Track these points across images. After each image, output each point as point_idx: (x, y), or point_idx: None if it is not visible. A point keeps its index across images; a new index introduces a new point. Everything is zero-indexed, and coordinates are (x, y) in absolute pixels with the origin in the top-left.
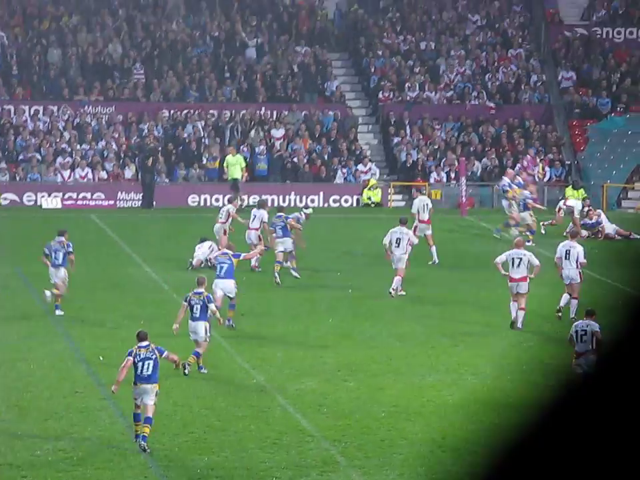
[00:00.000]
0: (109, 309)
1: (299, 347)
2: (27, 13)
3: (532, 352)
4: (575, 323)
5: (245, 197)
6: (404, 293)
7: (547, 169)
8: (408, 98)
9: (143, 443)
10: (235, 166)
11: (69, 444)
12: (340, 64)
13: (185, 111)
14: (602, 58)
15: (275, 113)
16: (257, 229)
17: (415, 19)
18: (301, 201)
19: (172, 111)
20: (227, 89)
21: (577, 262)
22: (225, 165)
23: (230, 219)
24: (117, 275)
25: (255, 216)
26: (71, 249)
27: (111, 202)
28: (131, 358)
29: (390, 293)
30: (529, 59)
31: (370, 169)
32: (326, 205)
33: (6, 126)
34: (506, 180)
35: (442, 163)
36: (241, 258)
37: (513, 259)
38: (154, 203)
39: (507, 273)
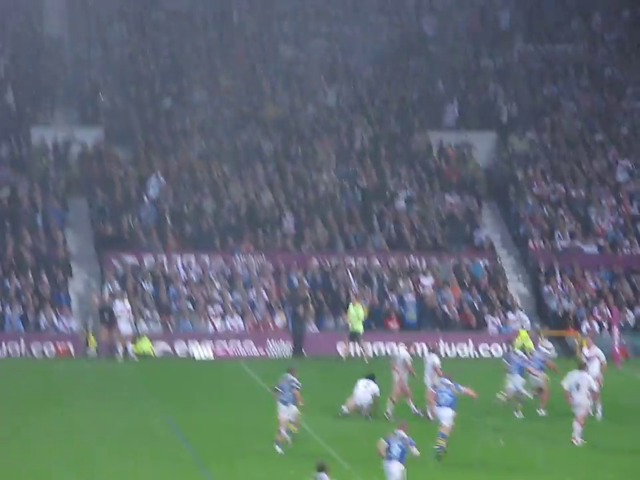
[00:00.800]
0: (261, 459)
1: None
2: (181, 162)
3: None
4: None
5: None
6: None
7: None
8: (558, 246)
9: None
10: (355, 317)
11: None
12: (489, 212)
13: (335, 260)
14: None
15: (424, 261)
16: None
17: (565, 168)
18: (450, 349)
19: (321, 260)
20: (375, 238)
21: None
22: (347, 315)
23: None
24: (268, 424)
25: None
26: (295, 384)
27: (262, 351)
28: None
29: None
30: None
31: (520, 317)
32: (476, 353)
33: (158, 276)
34: None
35: (593, 312)
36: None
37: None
38: (304, 351)
39: None
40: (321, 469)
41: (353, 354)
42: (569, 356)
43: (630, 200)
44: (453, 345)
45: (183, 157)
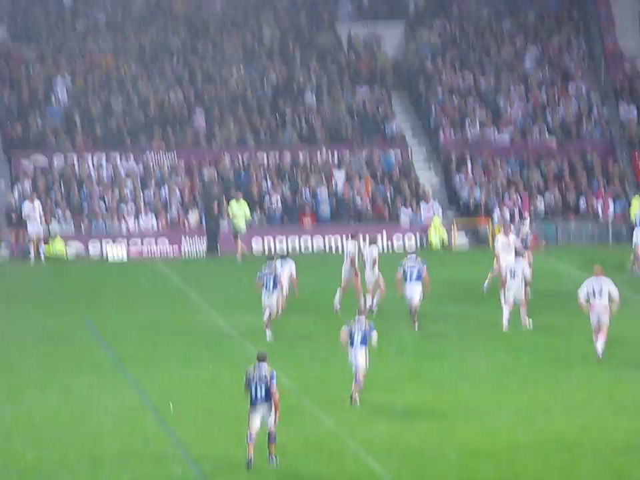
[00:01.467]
0: (177, 356)
1: (368, 389)
2: (87, 62)
3: (601, 389)
4: None
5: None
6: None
7: (610, 203)
8: (468, 136)
9: (273, 463)
10: (238, 215)
11: None
12: (399, 103)
13: (246, 156)
14: None
15: (336, 155)
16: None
17: (474, 57)
18: (364, 241)
19: (233, 157)
20: (287, 133)
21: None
22: (229, 211)
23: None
24: (184, 322)
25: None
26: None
27: (176, 249)
28: (246, 381)
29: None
30: (589, 93)
31: (432, 207)
32: (389, 244)
33: (69, 176)
34: None
35: (504, 200)
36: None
37: (594, 289)
38: (219, 249)
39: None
40: (262, 359)
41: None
42: (481, 244)
43: (538, 87)
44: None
45: (89, 55)
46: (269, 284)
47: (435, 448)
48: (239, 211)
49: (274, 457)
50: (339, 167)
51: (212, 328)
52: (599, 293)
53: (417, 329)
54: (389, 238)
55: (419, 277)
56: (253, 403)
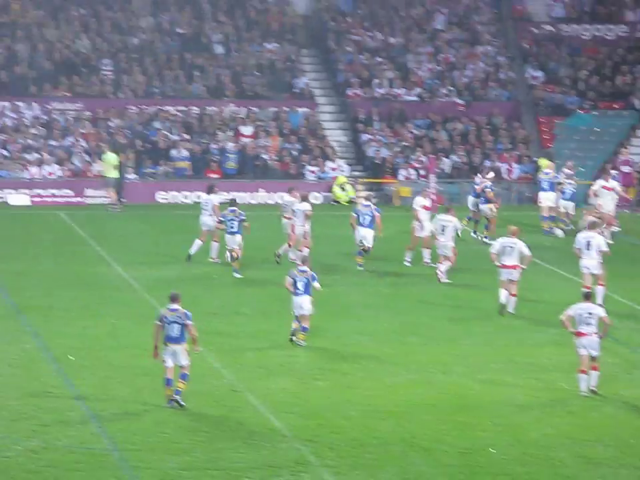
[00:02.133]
0: (78, 307)
1: (269, 346)
2: None
3: (501, 349)
4: (579, 305)
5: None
6: (448, 281)
7: (515, 165)
8: (376, 95)
9: (177, 397)
10: (109, 164)
11: (39, 445)
12: (308, 60)
13: (153, 108)
14: (569, 55)
15: (243, 110)
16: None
17: (383, 15)
18: (270, 199)
19: (140, 108)
20: (195, 86)
21: (597, 252)
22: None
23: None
24: (86, 273)
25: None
26: (244, 217)
27: (79, 199)
28: (159, 322)
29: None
30: (497, 56)
31: (339, 165)
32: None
33: None
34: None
35: (411, 160)
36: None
37: (505, 247)
38: (123, 200)
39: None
40: (175, 299)
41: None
42: (386, 203)
43: (447, 48)
44: (272, 193)
45: None
46: (232, 227)
47: (335, 405)
48: (113, 161)
49: (180, 392)
50: (246, 121)
51: (114, 280)
52: (510, 252)
53: (361, 268)
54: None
55: (371, 223)
56: (167, 341)
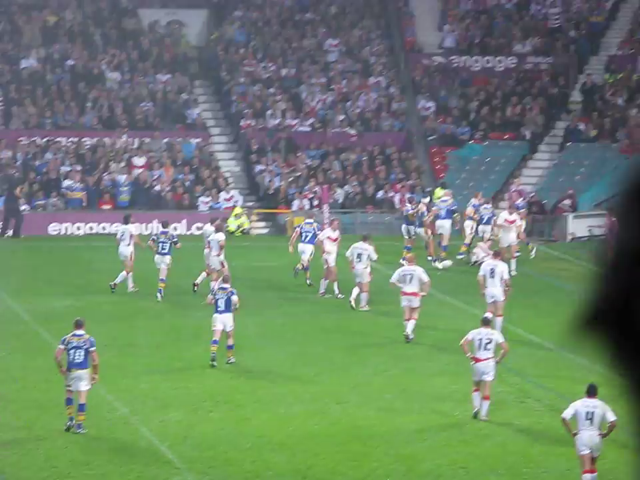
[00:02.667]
0: None
1: (163, 377)
2: None
3: (395, 379)
4: (477, 331)
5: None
6: (367, 309)
7: (407, 195)
8: (270, 125)
9: (80, 430)
10: None
11: None
12: (202, 91)
13: (45, 139)
14: (460, 86)
15: (136, 141)
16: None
17: (276, 47)
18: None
19: (31, 139)
20: (87, 117)
21: (501, 280)
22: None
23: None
24: None
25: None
26: (175, 239)
27: None
28: (62, 346)
29: (350, 303)
30: (389, 86)
31: (232, 196)
32: (189, 232)
33: None
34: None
35: (304, 190)
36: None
37: (405, 275)
38: (21, 232)
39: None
40: (80, 325)
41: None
42: (280, 233)
43: (340, 79)
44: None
45: None
46: (163, 249)
47: (229, 437)
48: None
49: (82, 425)
50: (139, 153)
51: (4, 313)
52: (410, 280)
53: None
54: (189, 226)
55: (312, 239)
56: (70, 368)
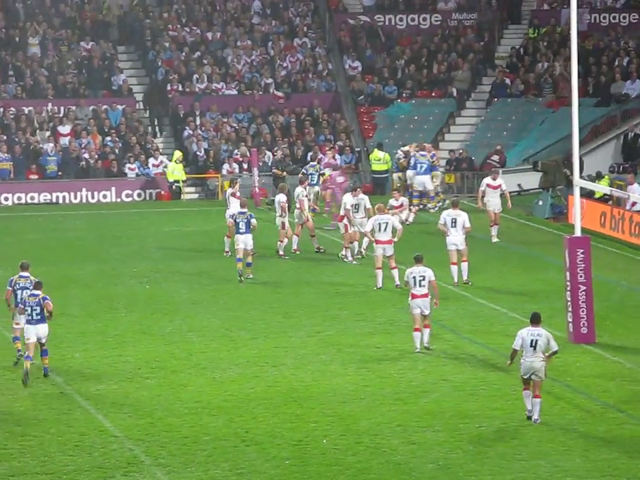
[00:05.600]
0: None
1: (97, 346)
2: None
3: (330, 340)
4: (411, 269)
5: None
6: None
7: (337, 156)
8: (197, 90)
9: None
10: None
11: None
12: (126, 57)
13: None
14: (386, 45)
15: (62, 109)
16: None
17: (200, 10)
18: (92, 198)
19: None
20: (10, 86)
21: (463, 228)
22: None
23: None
24: None
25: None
26: (253, 218)
27: None
28: (10, 288)
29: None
30: (314, 47)
31: (162, 162)
32: (118, 200)
33: None
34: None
35: (233, 154)
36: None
37: (379, 223)
38: None
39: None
40: (26, 267)
41: None
42: (210, 197)
43: (265, 41)
44: (96, 193)
45: None
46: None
47: (166, 403)
48: None
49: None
50: (65, 121)
51: None
52: (384, 228)
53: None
54: (118, 194)
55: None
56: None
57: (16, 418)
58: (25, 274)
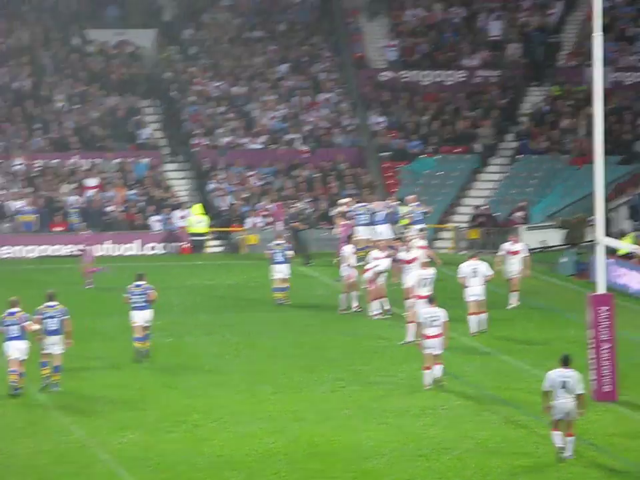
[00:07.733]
0: None
1: (119, 399)
2: None
3: (352, 395)
4: (425, 310)
5: None
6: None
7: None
8: (221, 143)
9: (56, 389)
10: None
11: None
12: (152, 111)
13: None
14: (410, 101)
15: (87, 162)
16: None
17: (226, 65)
18: (118, 250)
19: None
20: (36, 139)
21: (484, 277)
22: None
23: None
24: None
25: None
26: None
27: None
28: (38, 316)
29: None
30: (339, 102)
31: (186, 215)
32: (142, 253)
33: None
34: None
35: (257, 208)
36: None
37: (420, 279)
38: None
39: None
40: (52, 297)
41: None
42: (234, 251)
43: (290, 96)
44: (120, 245)
45: None
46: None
47: (188, 457)
48: None
49: (57, 384)
50: (91, 174)
51: None
52: (425, 284)
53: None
54: (143, 246)
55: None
56: (50, 334)
57: (37, 471)
58: (52, 303)
